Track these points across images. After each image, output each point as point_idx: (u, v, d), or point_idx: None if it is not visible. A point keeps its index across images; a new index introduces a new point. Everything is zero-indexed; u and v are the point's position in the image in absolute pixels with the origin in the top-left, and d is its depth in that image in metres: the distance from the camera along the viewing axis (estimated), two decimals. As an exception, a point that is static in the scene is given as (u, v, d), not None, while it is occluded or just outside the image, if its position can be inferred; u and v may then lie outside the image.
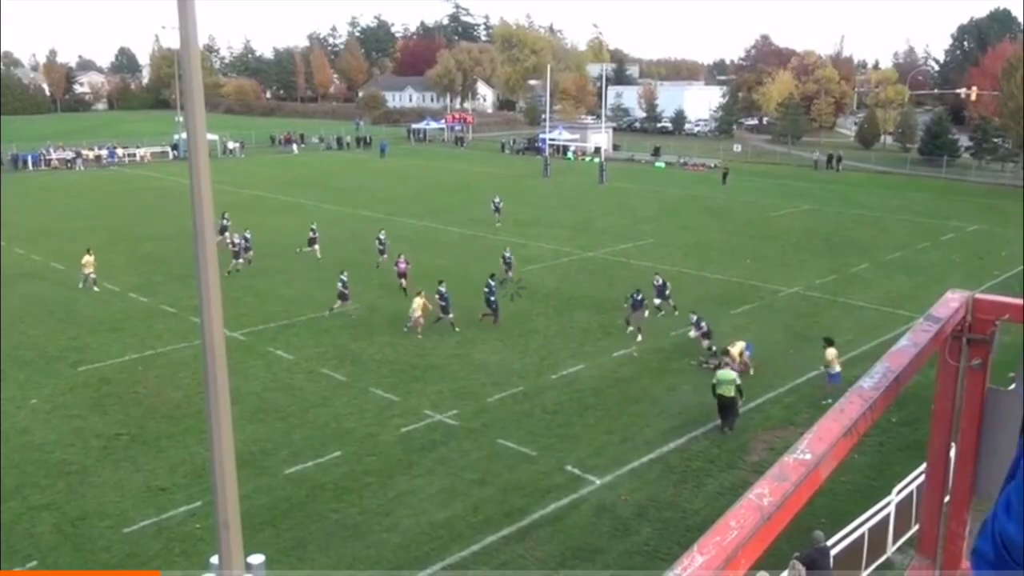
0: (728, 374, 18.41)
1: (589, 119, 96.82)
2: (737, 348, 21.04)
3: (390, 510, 15.08)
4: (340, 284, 26.62)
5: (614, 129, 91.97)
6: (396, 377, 21.59)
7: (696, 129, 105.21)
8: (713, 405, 18.75)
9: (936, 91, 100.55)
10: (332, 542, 14.09)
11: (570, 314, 26.75)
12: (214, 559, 4.25)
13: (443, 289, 24.98)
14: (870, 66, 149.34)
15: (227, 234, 35.37)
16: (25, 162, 70.44)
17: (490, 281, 25.71)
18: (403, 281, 28.02)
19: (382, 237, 33.76)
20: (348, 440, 17.90)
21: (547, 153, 74.44)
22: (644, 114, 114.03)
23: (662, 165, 75.08)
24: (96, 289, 28.84)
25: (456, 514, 14.98)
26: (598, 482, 16.16)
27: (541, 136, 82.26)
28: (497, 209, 42.36)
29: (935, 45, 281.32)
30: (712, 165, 71.05)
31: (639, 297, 24.93)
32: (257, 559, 4.30)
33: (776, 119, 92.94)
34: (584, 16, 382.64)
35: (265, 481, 15.96)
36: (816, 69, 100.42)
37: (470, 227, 41.64)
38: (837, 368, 19.75)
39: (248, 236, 33.00)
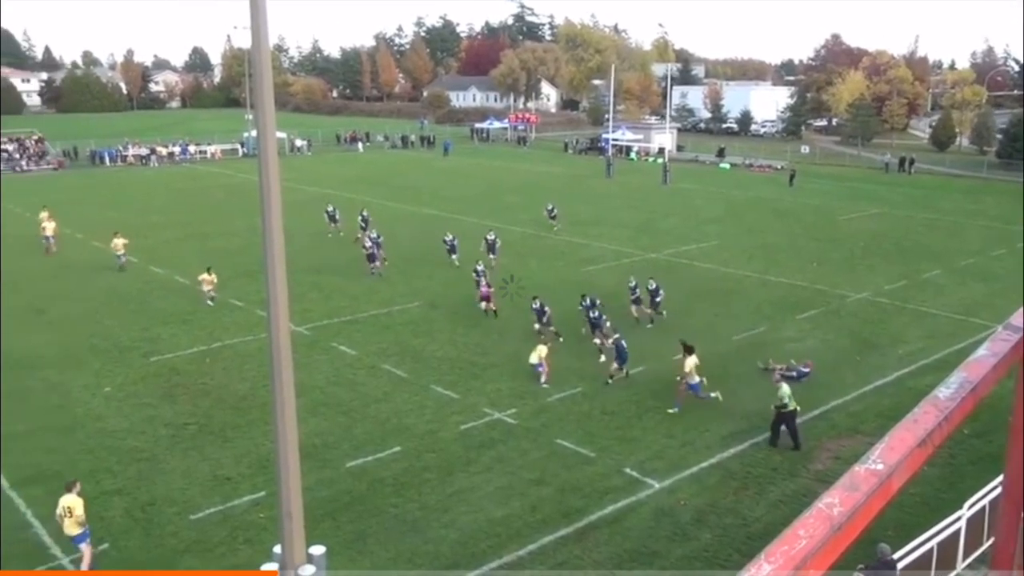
0: (787, 387, 17.93)
1: (653, 119, 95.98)
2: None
3: (448, 506, 15.19)
4: (475, 274, 27.80)
5: (678, 129, 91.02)
6: (456, 374, 21.73)
7: (763, 130, 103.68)
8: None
9: (1016, 92, 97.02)
10: (391, 536, 14.25)
11: (630, 315, 26.52)
12: (277, 548, 4.34)
13: (536, 305, 24.50)
14: (946, 66, 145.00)
15: (364, 233, 35.23)
16: (102, 158, 73.18)
17: (584, 302, 24.47)
18: (485, 304, 26.69)
19: (490, 238, 33.05)
20: (408, 436, 18.08)
21: (610, 153, 74.11)
22: (709, 114, 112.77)
23: (727, 166, 74.02)
24: (210, 303, 27.74)
25: (514, 512, 15.01)
26: (657, 486, 16.01)
27: (604, 136, 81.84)
28: (552, 216, 41.45)
29: (1015, 44, 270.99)
30: (779, 167, 69.78)
31: (594, 314, 23.92)
32: (318, 550, 4.36)
33: (846, 120, 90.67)
34: (649, 15, 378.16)
35: (327, 474, 16.24)
36: (888, 69, 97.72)
37: (532, 227, 41.61)
38: (696, 379, 19.09)
39: (374, 236, 33.12)
